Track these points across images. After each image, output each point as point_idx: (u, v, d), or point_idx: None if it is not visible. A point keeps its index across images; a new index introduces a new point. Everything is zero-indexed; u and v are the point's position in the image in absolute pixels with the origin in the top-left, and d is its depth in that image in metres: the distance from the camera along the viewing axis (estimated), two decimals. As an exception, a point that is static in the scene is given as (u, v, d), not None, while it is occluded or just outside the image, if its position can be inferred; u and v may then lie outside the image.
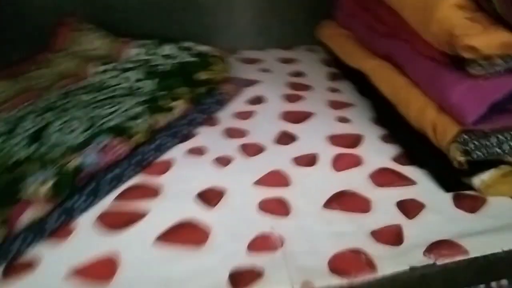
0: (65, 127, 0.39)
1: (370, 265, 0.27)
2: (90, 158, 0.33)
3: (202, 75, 0.46)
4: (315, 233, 0.30)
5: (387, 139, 0.41)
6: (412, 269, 0.27)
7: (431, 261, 0.28)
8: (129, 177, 0.36)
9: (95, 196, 0.33)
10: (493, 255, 0.28)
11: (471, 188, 0.34)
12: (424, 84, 0.37)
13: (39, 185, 0.30)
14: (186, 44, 0.51)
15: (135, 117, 0.39)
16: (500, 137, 0.34)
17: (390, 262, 0.28)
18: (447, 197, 0.34)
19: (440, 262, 0.28)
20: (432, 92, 0.36)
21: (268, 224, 0.31)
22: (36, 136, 0.37)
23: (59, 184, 0.31)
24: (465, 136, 0.34)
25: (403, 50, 0.40)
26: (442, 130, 0.35)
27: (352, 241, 0.29)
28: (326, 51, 0.59)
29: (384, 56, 0.44)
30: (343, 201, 0.33)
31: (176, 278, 0.27)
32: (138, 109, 0.40)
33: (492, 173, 0.34)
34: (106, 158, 0.34)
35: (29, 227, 0.29)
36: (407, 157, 0.38)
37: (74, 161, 0.33)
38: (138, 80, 0.46)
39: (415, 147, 0.38)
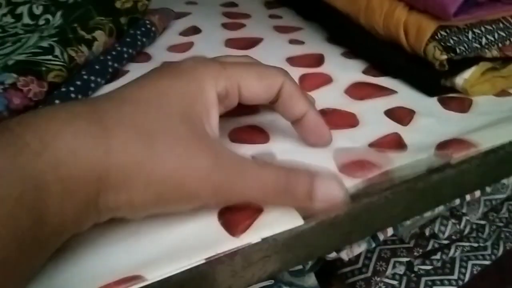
0: None
1: (381, 167, 0.23)
2: (-9, 101, 0.24)
3: (120, 4, 0.37)
4: (309, 152, 0.25)
5: (349, 55, 0.37)
6: (431, 171, 0.23)
7: (445, 160, 0.24)
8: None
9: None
10: (503, 147, 0.25)
11: (453, 90, 0.31)
12: (389, -18, 0.33)
13: None
14: (93, -30, 0.41)
15: (43, 53, 0.29)
16: (477, 31, 0.31)
17: (402, 167, 0.23)
18: (433, 101, 0.30)
19: (455, 159, 0.24)
20: (400, -12, 0.32)
21: (248, 154, 0.25)
22: None
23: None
24: (443, 33, 0.30)
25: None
26: (415, 30, 0.31)
27: (353, 156, 0.24)
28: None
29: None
30: (326, 119, 0.28)
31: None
32: (45, 43, 0.30)
33: (474, 70, 0.31)
34: (15, 102, 0.25)
35: None
36: (378, 69, 0.34)
37: (-33, 107, 0.23)
38: (37, 16, 0.36)
39: (384, 57, 0.34)
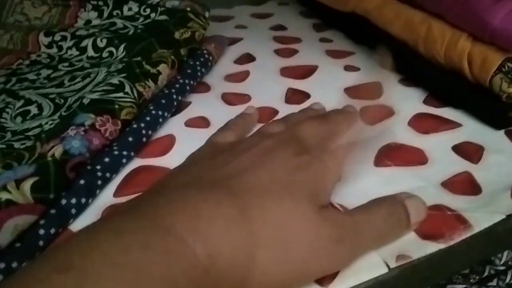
0: (23, 112, 0.30)
1: (461, 221, 0.23)
2: (74, 143, 0.25)
3: (180, 35, 0.38)
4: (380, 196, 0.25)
5: (407, 82, 0.37)
6: (510, 216, 0.23)
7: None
8: (126, 163, 0.28)
9: (89, 193, 0.25)
10: None
11: (520, 122, 0.31)
12: (452, 13, 0.33)
13: (15, 188, 0.22)
14: (150, 0, 0.42)
15: (114, 90, 0.30)
16: (545, 62, 0.30)
17: (480, 213, 0.23)
18: (501, 134, 0.30)
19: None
20: (464, 20, 0.32)
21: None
22: (-13, 129, 0.28)
23: (43, 183, 0.23)
24: (510, 64, 0.30)
25: (416, -20, 0.36)
26: (480, 62, 0.31)
27: (427, 198, 0.24)
28: (301, 2, 0.54)
29: (386, -8, 0.39)
30: (394, 155, 0.28)
31: None
32: (115, 80, 0.31)
33: (543, 102, 0.30)
34: (94, 143, 0.26)
35: (14, 248, 0.21)
36: (438, 99, 0.34)
37: (55, 150, 0.24)
38: (100, 48, 0.37)
39: (445, 86, 0.34)
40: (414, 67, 0.37)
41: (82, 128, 0.26)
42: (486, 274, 0.42)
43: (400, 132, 0.30)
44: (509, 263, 0.42)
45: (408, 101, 0.34)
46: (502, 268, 0.42)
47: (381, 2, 0.40)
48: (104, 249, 0.15)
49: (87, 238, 0.16)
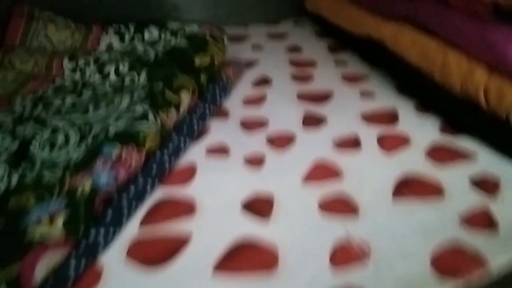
0: (51, 140, 0.31)
1: (478, 258, 0.23)
2: (103, 176, 0.26)
3: (200, 61, 0.39)
4: (398, 230, 0.25)
5: (422, 109, 0.37)
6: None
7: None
8: (150, 192, 0.29)
9: (117, 224, 0.26)
10: None
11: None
12: (468, 44, 0.33)
13: (48, 222, 0.23)
14: (171, 25, 0.43)
15: (139, 118, 0.31)
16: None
17: (498, 251, 0.24)
18: (517, 165, 0.30)
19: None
20: (481, 52, 0.32)
21: (340, 228, 0.26)
22: (17, 159, 0.29)
23: (74, 217, 0.24)
24: (526, 97, 0.30)
25: (432, 10, 0.36)
26: (496, 93, 0.31)
27: (444, 232, 0.25)
28: (316, 22, 0.54)
29: (402, 19, 0.40)
30: (412, 186, 0.29)
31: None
32: (139, 108, 0.32)
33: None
34: (121, 174, 0.27)
35: (47, 280, 0.22)
36: (454, 127, 0.34)
37: (85, 184, 0.25)
38: (123, 74, 0.38)
39: (461, 115, 0.35)
40: (429, 94, 0.37)
41: (110, 160, 0.27)
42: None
43: (417, 162, 0.31)
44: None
45: (423, 129, 0.34)
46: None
47: (397, 29, 0.40)
48: None
49: None
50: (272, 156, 0.32)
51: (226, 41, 0.41)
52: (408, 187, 0.29)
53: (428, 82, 0.37)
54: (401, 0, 0.40)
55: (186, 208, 0.28)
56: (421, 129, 0.34)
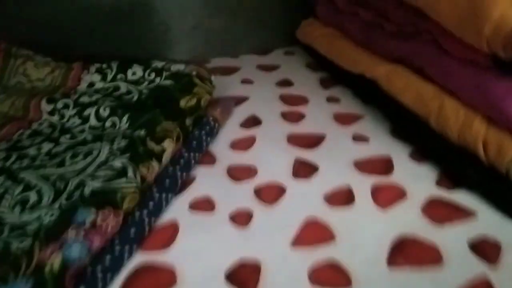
0: (23, 199, 0.29)
1: None
2: (74, 249, 0.24)
3: (185, 103, 0.37)
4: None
5: (418, 157, 0.35)
6: None
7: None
8: (128, 260, 0.27)
9: (89, 300, 0.24)
10: None
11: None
12: (466, 93, 0.32)
13: (10, 311, 0.21)
14: (155, 63, 0.41)
15: (118, 176, 0.29)
16: None
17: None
18: (518, 226, 0.29)
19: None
20: (479, 103, 0.31)
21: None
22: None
23: (40, 301, 0.22)
24: (527, 153, 0.29)
25: (428, 54, 0.35)
26: (496, 147, 0.30)
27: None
28: (309, 53, 0.53)
29: (397, 60, 0.39)
30: (408, 252, 0.27)
31: None
32: (117, 162, 0.30)
33: (561, 191, 0.29)
34: (96, 243, 0.25)
35: None
36: (451, 179, 0.33)
37: (54, 259, 0.23)
38: (104, 118, 0.36)
39: (459, 167, 0.33)
40: (426, 141, 0.36)
41: (83, 228, 0.25)
42: None
43: (413, 220, 0.29)
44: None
45: (419, 181, 0.33)
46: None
47: (389, 70, 0.39)
48: None
49: None
50: (259, 213, 0.30)
51: (213, 81, 0.40)
52: (404, 253, 0.27)
53: (424, 127, 0.35)
54: (397, 39, 0.38)
55: (166, 279, 0.26)
56: (417, 181, 0.33)
